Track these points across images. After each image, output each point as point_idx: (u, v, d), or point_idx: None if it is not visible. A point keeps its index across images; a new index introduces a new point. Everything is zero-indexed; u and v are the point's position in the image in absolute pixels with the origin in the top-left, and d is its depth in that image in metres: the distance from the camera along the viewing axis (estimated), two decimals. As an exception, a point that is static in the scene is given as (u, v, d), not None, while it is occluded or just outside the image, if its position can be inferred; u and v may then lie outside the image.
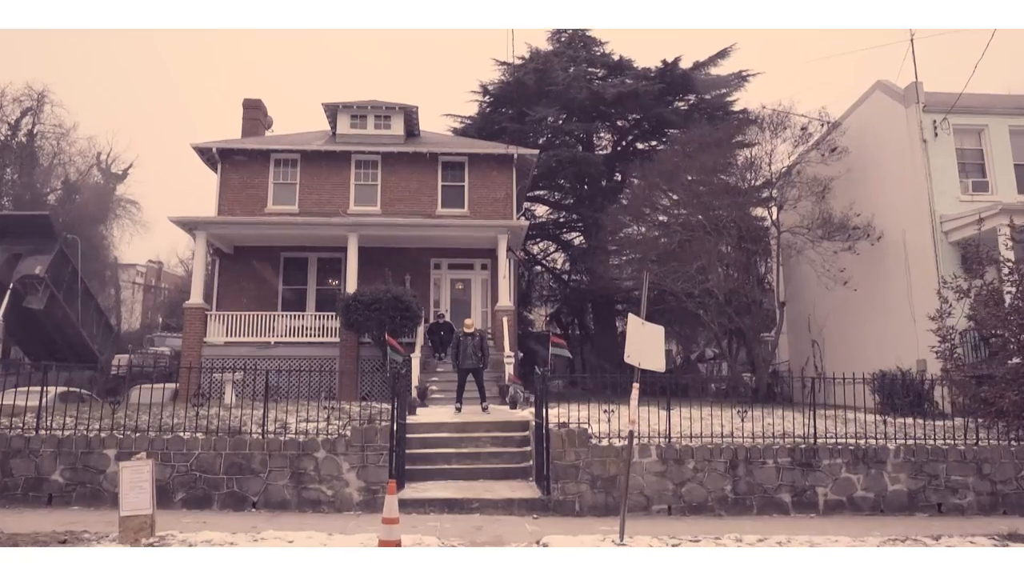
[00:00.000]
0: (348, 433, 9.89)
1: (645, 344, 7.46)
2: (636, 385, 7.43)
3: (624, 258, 29.47)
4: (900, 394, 14.47)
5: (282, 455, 9.63)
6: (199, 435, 9.68)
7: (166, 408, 10.62)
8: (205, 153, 23.25)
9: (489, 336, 19.50)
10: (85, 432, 9.69)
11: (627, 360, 7.41)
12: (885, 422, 10.54)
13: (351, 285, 19.12)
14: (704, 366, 37.14)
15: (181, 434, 9.69)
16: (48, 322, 24.02)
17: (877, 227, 19.20)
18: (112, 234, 47.06)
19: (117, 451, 9.36)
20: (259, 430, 9.90)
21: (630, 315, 7.58)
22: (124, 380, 23.89)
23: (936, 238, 17.34)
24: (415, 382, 16.91)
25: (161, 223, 21.68)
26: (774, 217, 22.08)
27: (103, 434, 9.60)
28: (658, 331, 7.60)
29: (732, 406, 11.62)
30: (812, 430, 10.12)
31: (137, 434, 9.61)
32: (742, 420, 10.29)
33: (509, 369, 17.07)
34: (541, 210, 36.16)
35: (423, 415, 13.40)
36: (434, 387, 16.99)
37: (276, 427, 10.18)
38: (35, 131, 41.45)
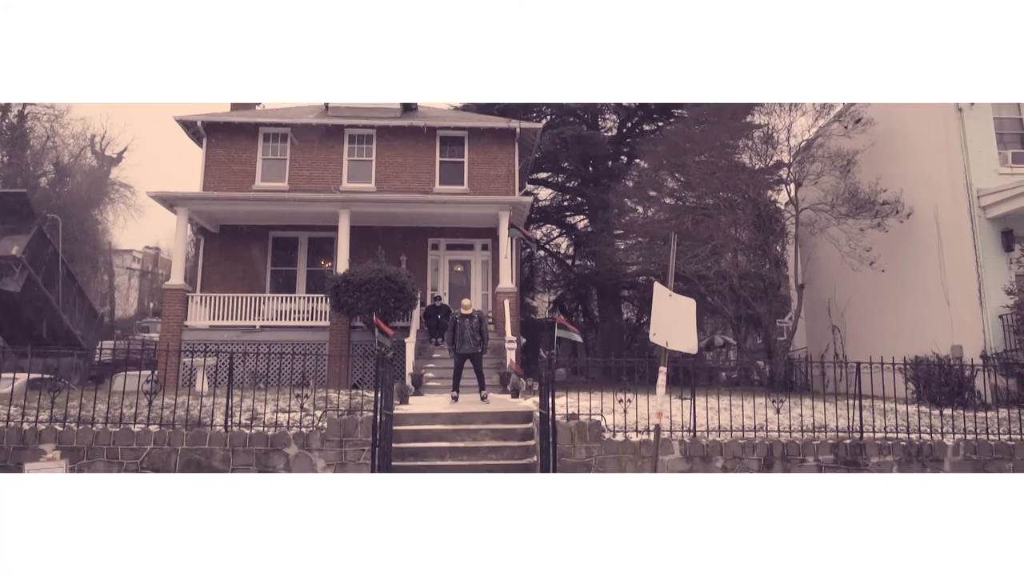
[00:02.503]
0: (325, 425, 8.64)
1: (673, 320, 6.18)
2: (663, 370, 6.15)
3: (630, 242, 28.24)
4: (939, 382, 13.21)
5: (247, 451, 8.38)
6: (153, 427, 8.42)
7: (130, 396, 9.36)
8: (190, 127, 22.01)
9: (489, 319, 18.24)
10: (21, 424, 8.42)
11: (652, 339, 6.13)
12: (942, 414, 9.28)
13: (342, 265, 17.84)
14: (710, 354, 35.89)
15: (132, 427, 8.43)
16: (26, 306, 22.83)
17: (906, 203, 17.84)
18: (106, 219, 45.87)
19: (56, 445, 8.10)
20: (228, 422, 8.66)
21: (656, 284, 6.28)
22: (109, 367, 22.69)
23: (973, 214, 15.96)
24: (409, 368, 15.71)
25: (156, 208, 20.76)
26: (792, 194, 20.74)
27: (41, 426, 8.34)
28: (688, 305, 6.32)
29: (754, 395, 10.37)
30: (858, 423, 8.83)
31: (81, 426, 8.35)
32: (777, 411, 9.00)
33: (511, 355, 15.83)
34: (544, 193, 34.90)
35: (416, 404, 12.18)
36: (430, 374, 15.75)
37: (245, 418, 8.94)
38: (26, 112, 40.10)
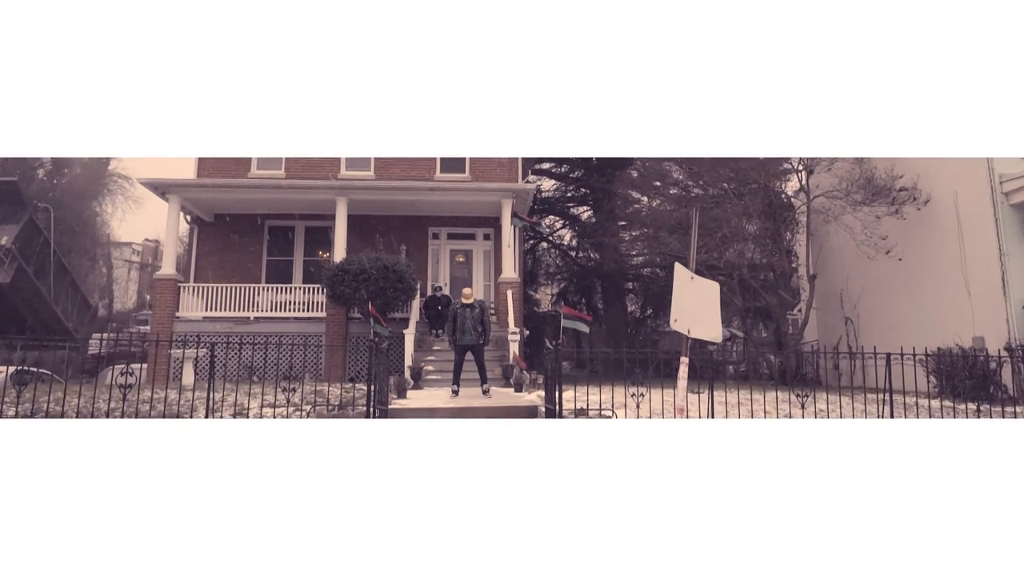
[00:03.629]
0: (314, 421, 8.03)
1: (695, 305, 5.56)
2: (684, 360, 5.54)
3: (635, 233, 27.67)
4: (963, 375, 12.58)
5: (229, 449, 7.76)
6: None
7: (110, 391, 8.77)
8: (184, 114, 21.35)
9: (492, 311, 17.63)
10: (-15, 420, 7.81)
11: (673, 326, 5.53)
12: (979, 409, 8.64)
13: (340, 255, 17.25)
14: (714, 347, 35.15)
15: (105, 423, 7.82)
16: (16, 296, 22.28)
17: (924, 189, 17.18)
18: (105, 211, 45.33)
19: (22, 444, 7.49)
20: (210, 417, 8.06)
21: (676, 266, 5.67)
22: (103, 360, 22.10)
23: (996, 200, 15.30)
24: (408, 361, 15.12)
25: (156, 200, 20.16)
26: (803, 182, 20.11)
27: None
28: (711, 288, 5.71)
29: (776, 389, 9.76)
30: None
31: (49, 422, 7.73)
32: (802, 407, 8.35)
33: (514, 347, 15.23)
34: (547, 184, 34.28)
35: (415, 399, 11.59)
36: (430, 367, 15.16)
37: (229, 414, 8.34)
38: (22, 103, 39.45)
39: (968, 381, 12.21)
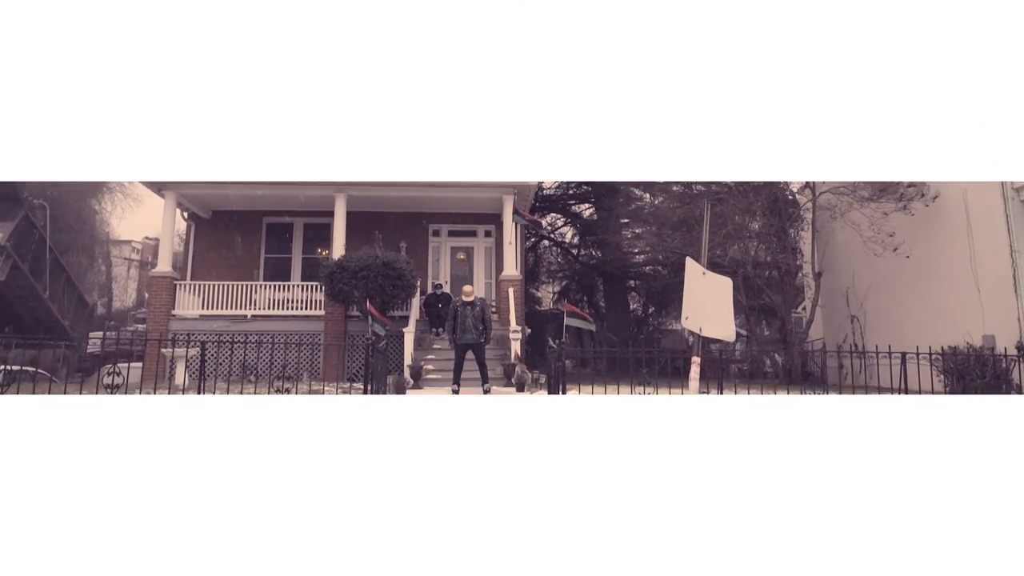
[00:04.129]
0: (308, 423, 7.77)
1: (707, 302, 5.28)
2: (696, 360, 5.25)
3: (637, 230, 27.48)
4: (975, 374, 12.30)
5: (220, 451, 7.50)
6: (115, 425, 7.55)
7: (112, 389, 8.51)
8: (181, 110, 21.08)
9: (493, 309, 17.36)
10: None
11: (684, 324, 5.25)
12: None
13: (338, 252, 17.00)
14: (716, 347, 34.87)
15: (91, 424, 7.56)
16: (10, 294, 22.01)
17: (932, 186, 16.89)
18: (104, 208, 45.01)
19: None
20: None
21: (688, 260, 5.39)
22: (99, 359, 21.83)
23: (1006, 195, 15.00)
24: (408, 360, 14.86)
25: (156, 198, 19.99)
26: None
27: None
28: (724, 284, 5.43)
29: (796, 389, 9.50)
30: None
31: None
32: (814, 407, 8.08)
33: (516, 346, 14.96)
34: (549, 181, 34.03)
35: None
36: (430, 366, 14.91)
37: (222, 414, 8.06)
38: (19, 99, 39.18)
39: (980, 380, 11.95)
